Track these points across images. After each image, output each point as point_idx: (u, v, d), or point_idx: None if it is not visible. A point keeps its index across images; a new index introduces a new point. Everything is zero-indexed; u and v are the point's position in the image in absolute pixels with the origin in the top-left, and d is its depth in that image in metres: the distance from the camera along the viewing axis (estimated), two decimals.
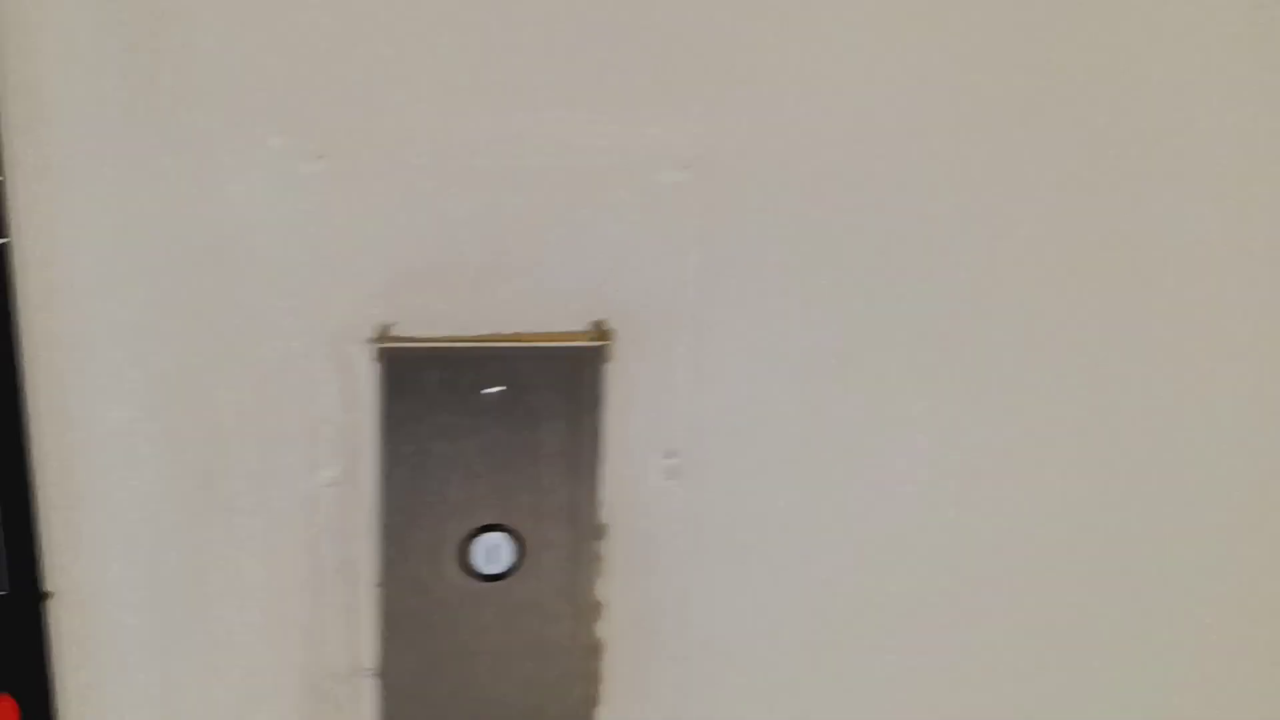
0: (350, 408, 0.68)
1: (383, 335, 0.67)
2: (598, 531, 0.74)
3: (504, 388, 0.69)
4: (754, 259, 0.71)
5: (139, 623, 0.68)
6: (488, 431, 0.70)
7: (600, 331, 0.70)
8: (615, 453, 0.72)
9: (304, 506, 0.69)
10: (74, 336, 0.64)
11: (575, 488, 0.72)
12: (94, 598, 0.67)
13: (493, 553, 0.72)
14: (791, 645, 0.80)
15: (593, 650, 0.76)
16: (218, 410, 0.66)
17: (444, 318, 0.68)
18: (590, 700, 0.77)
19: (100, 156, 0.62)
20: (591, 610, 0.75)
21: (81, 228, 0.63)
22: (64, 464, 0.65)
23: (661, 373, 0.71)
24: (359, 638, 0.71)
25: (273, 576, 0.69)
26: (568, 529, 0.73)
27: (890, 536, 0.79)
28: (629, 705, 0.78)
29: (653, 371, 0.71)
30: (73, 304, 0.64)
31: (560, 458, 0.71)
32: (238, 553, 0.68)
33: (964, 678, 0.83)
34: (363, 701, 0.73)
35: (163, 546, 0.67)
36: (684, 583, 0.76)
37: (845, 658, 0.81)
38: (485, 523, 0.71)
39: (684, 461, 0.74)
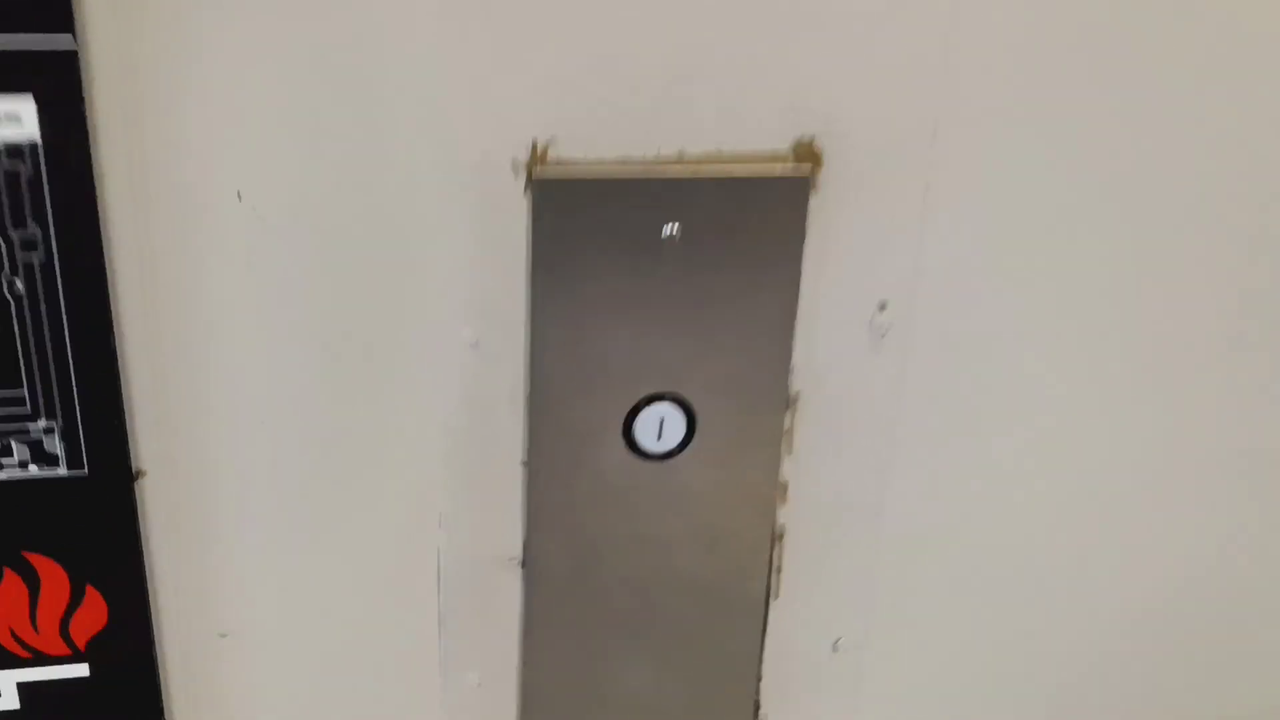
0: (495, 253, 0.54)
1: (535, 161, 0.52)
2: (785, 403, 0.61)
3: (679, 227, 0.55)
4: (1011, 74, 0.55)
5: (250, 508, 0.56)
6: (659, 282, 0.56)
7: (805, 153, 0.55)
8: (812, 308, 0.58)
9: (441, 372, 0.56)
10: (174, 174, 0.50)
11: (762, 351, 0.59)
12: (195, 477, 0.55)
13: (661, 427, 0.59)
14: (993, 542, 0.67)
15: (771, 539, 0.64)
16: (339, 261, 0.53)
17: (611, 139, 0.53)
18: (765, 595, 0.65)
19: None
20: (772, 494, 0.63)
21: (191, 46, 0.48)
22: (157, 327, 0.52)
23: (878, 210, 0.57)
24: (503, 522, 0.60)
25: (406, 452, 0.57)
26: (750, 400, 0.60)
27: (1113, 430, 0.65)
28: (809, 600, 0.66)
29: (868, 208, 0.56)
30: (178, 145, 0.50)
31: (746, 314, 0.57)
32: (364, 426, 0.56)
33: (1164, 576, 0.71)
34: (508, 594, 0.62)
35: (277, 419, 0.55)
36: (880, 464, 0.63)
37: (1047, 558, 0.69)
38: (653, 392, 0.59)
39: (895, 320, 0.59)
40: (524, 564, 0.61)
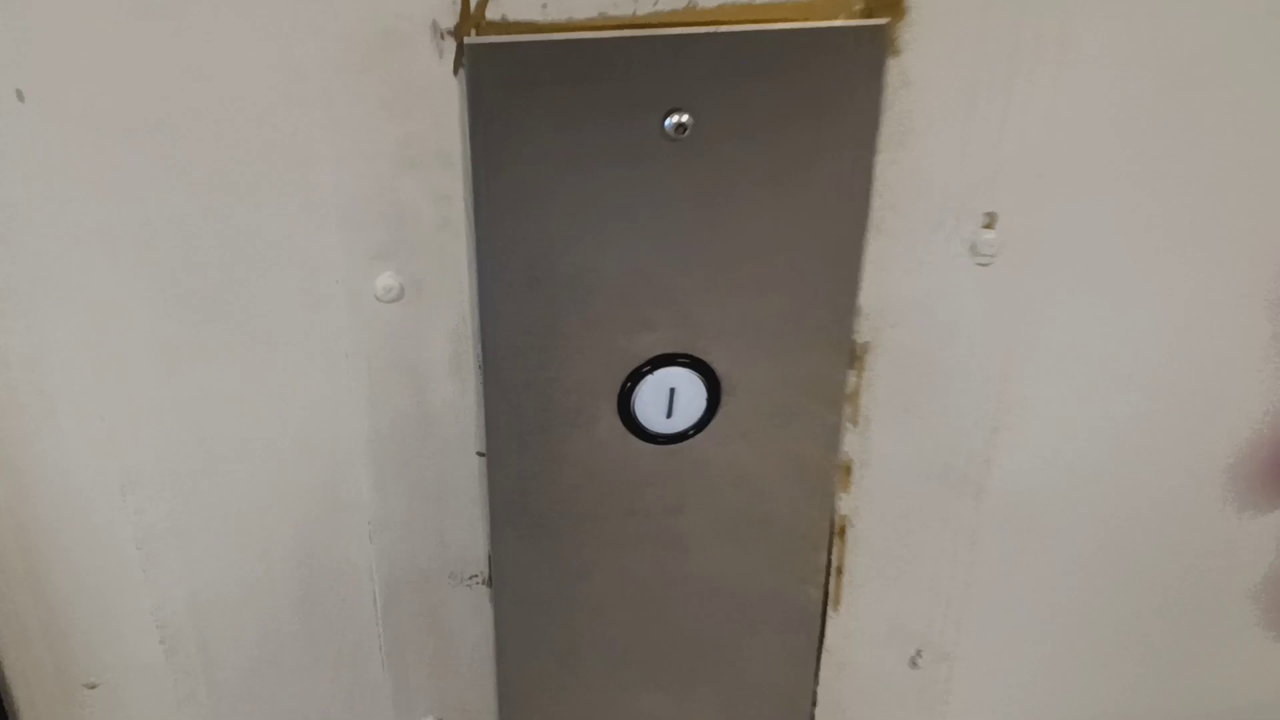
0: (417, 162, 0.36)
1: (467, 22, 0.34)
2: (848, 357, 0.43)
3: (689, 116, 0.36)
4: None
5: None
6: (662, 194, 0.38)
7: (872, 4, 0.36)
8: (887, 224, 0.40)
9: (354, 335, 0.39)
10: None
11: (813, 288, 0.41)
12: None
13: (671, 399, 0.42)
14: (1119, 517, 0.50)
15: (827, 535, 0.47)
16: (173, 175, 0.35)
17: None
18: (821, 605, 0.49)
19: None
20: (830, 478, 0.46)
21: None
22: None
23: (983, 79, 0.38)
24: (456, 529, 0.44)
25: (318, 442, 0.41)
26: (796, 357, 0.42)
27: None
28: (880, 607, 0.50)
29: (968, 76, 0.37)
30: None
31: (789, 237, 0.39)
32: (255, 411, 0.39)
33: None
34: (467, 618, 0.46)
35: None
36: (982, 431, 0.46)
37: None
38: (660, 352, 0.41)
39: (1007, 239, 0.41)
40: (489, 582, 0.45)
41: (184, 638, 0.44)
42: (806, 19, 0.36)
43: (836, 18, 0.36)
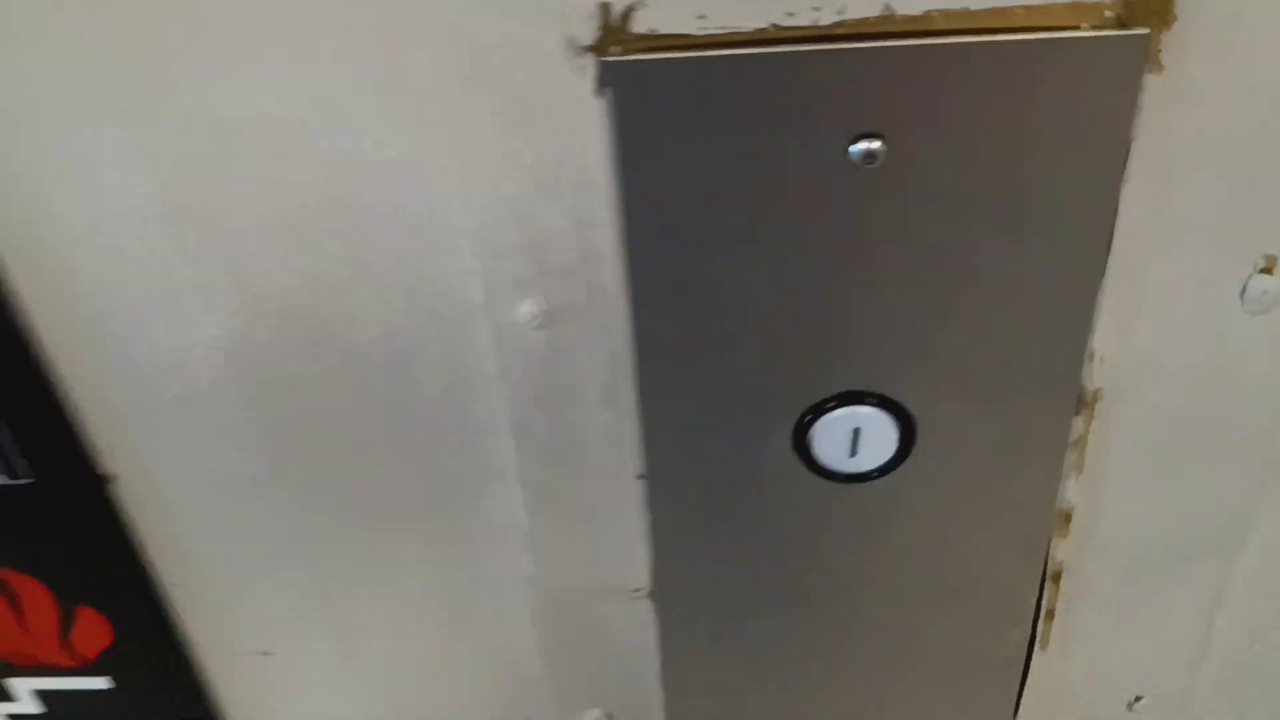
0: (560, 182, 0.32)
1: (608, 36, 0.29)
2: (1074, 403, 0.36)
3: (880, 145, 0.30)
4: None
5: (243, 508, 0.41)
6: (853, 227, 0.32)
7: (1139, 6, 0.28)
8: (1133, 261, 0.32)
9: (500, 361, 0.36)
10: None
11: (1033, 326, 0.34)
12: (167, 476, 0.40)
13: (856, 439, 0.37)
14: None
15: (1037, 586, 0.41)
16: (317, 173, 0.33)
17: None
18: (1023, 645, 0.44)
19: None
20: (1044, 527, 0.39)
21: None
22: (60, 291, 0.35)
23: (1259, 102, 0.29)
24: (610, 544, 0.41)
25: (475, 463, 0.39)
26: (1009, 403, 0.36)
27: None
28: (1096, 646, 0.44)
29: (1242, 95, 0.29)
30: None
31: (1007, 276, 0.33)
32: (401, 420, 0.38)
33: None
34: (625, 628, 0.44)
35: (268, 427, 0.38)
36: (1237, 489, 0.38)
37: None
38: (845, 389, 0.36)
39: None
40: (653, 596, 0.43)
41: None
42: (1039, 26, 0.28)
43: (1076, 21, 0.28)
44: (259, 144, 0.31)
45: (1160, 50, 0.28)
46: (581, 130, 0.30)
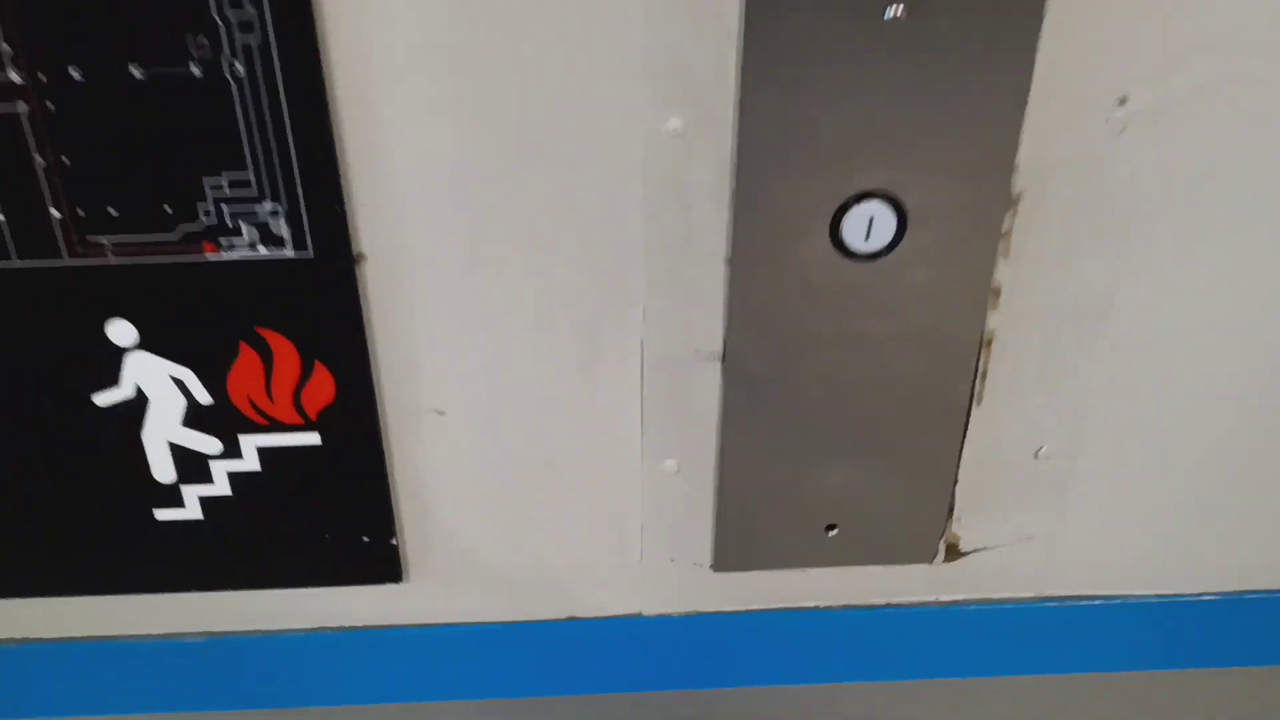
0: (705, 37, 0.52)
1: None
2: (1006, 203, 0.57)
3: (904, 7, 0.51)
4: None
5: (459, 288, 0.58)
6: (878, 68, 0.52)
7: None
8: (1043, 99, 0.54)
9: (646, 160, 0.55)
10: None
11: (985, 146, 0.55)
12: (411, 262, 0.57)
13: (870, 226, 0.57)
14: (1222, 358, 0.63)
15: (978, 344, 0.62)
16: (549, 43, 0.52)
17: None
18: (968, 400, 0.64)
19: None
20: (983, 296, 0.60)
21: None
22: (366, 101, 0.53)
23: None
24: (705, 318, 0.60)
25: (609, 245, 0.57)
26: (968, 199, 0.57)
27: None
28: (1013, 407, 0.65)
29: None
30: None
31: (971, 105, 0.54)
32: (569, 213, 0.56)
33: None
34: (707, 387, 0.62)
35: (481, 203, 0.56)
36: (1109, 271, 0.60)
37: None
38: (864, 189, 0.56)
39: (1135, 114, 0.55)
40: (723, 359, 0.62)
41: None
42: None
43: None
44: None
45: None
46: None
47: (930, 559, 0.70)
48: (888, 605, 0.73)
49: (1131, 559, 0.72)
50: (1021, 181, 0.57)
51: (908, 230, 0.57)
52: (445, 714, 0.74)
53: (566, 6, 0.51)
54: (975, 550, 0.71)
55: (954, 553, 0.71)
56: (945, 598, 0.73)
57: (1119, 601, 0.73)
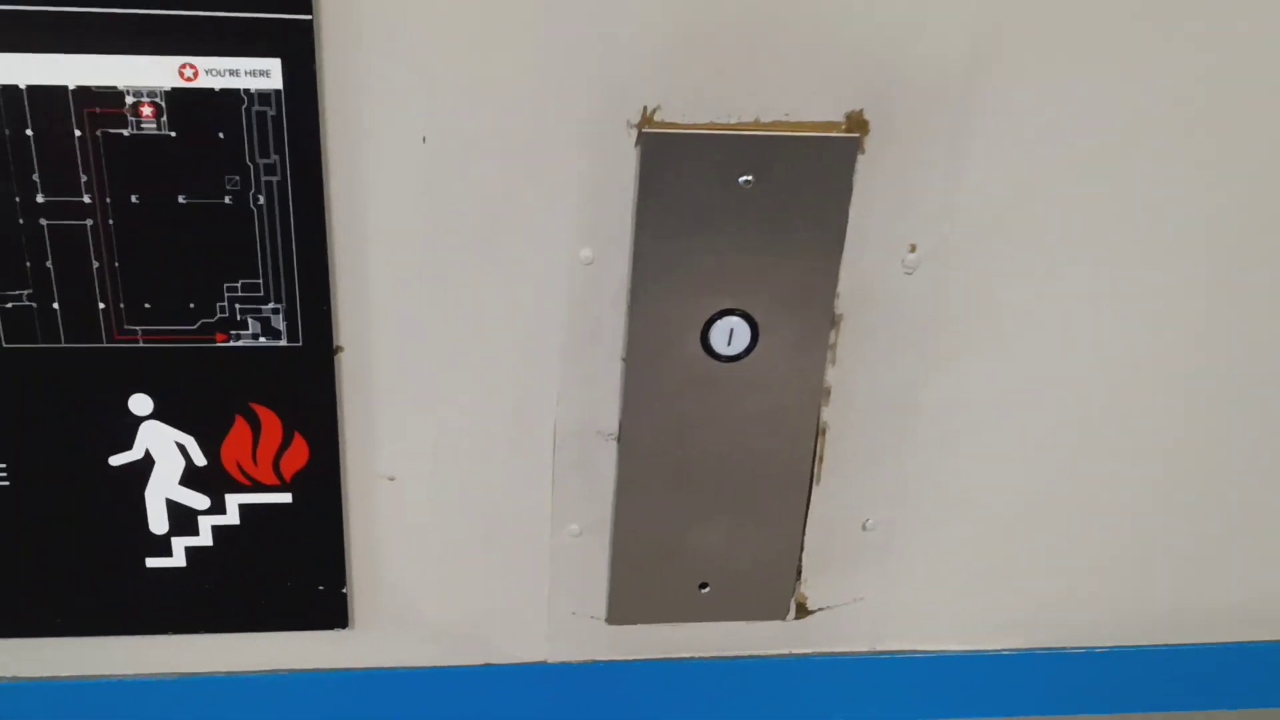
0: (611, 191, 0.71)
1: (645, 122, 0.69)
2: (831, 321, 0.77)
3: (752, 177, 0.71)
4: (1039, 52, 0.70)
5: (414, 375, 0.74)
6: (735, 219, 0.72)
7: (855, 122, 0.70)
8: (855, 246, 0.74)
9: (563, 282, 0.73)
10: (366, 120, 0.68)
11: (814, 279, 0.75)
12: (376, 352, 0.73)
13: (731, 335, 0.76)
14: (1013, 440, 0.83)
15: (815, 432, 0.80)
16: (490, 191, 0.70)
17: (701, 108, 0.69)
18: (809, 479, 0.82)
19: None
20: (817, 394, 0.79)
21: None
22: (360, 235, 0.70)
23: (911, 170, 0.72)
24: (605, 404, 0.77)
25: (532, 345, 0.75)
26: (803, 318, 0.76)
27: (1126, 349, 0.80)
28: (844, 486, 0.83)
29: (903, 168, 0.72)
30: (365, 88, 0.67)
31: (803, 248, 0.73)
32: (504, 318, 0.73)
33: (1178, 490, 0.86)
34: (605, 462, 0.79)
35: (437, 309, 0.73)
36: (911, 376, 0.79)
37: (1066, 459, 0.84)
38: (726, 307, 0.75)
39: (922, 259, 0.75)
40: (619, 439, 0.79)
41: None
42: (816, 130, 0.70)
43: (831, 131, 0.71)
44: None
45: (864, 144, 0.71)
46: (626, 168, 0.70)
47: (784, 616, 0.86)
48: (751, 656, 0.88)
49: (949, 616, 0.89)
50: (842, 305, 0.76)
51: (759, 340, 0.76)
52: None
53: (513, 169, 0.69)
54: (820, 609, 0.87)
55: (803, 610, 0.87)
56: (797, 651, 0.89)
57: (939, 655, 0.90)
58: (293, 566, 0.78)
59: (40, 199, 0.66)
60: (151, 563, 0.76)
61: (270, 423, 0.74)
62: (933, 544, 0.86)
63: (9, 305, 0.68)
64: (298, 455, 0.75)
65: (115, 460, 0.73)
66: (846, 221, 0.73)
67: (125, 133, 0.65)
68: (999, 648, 0.91)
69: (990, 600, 0.89)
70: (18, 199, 0.66)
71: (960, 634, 0.90)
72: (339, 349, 0.73)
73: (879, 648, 0.90)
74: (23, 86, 0.63)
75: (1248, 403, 0.83)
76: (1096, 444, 0.83)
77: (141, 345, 0.70)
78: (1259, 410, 0.83)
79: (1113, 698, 0.94)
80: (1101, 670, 0.93)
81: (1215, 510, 0.87)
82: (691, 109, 0.69)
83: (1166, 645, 0.93)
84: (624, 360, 0.76)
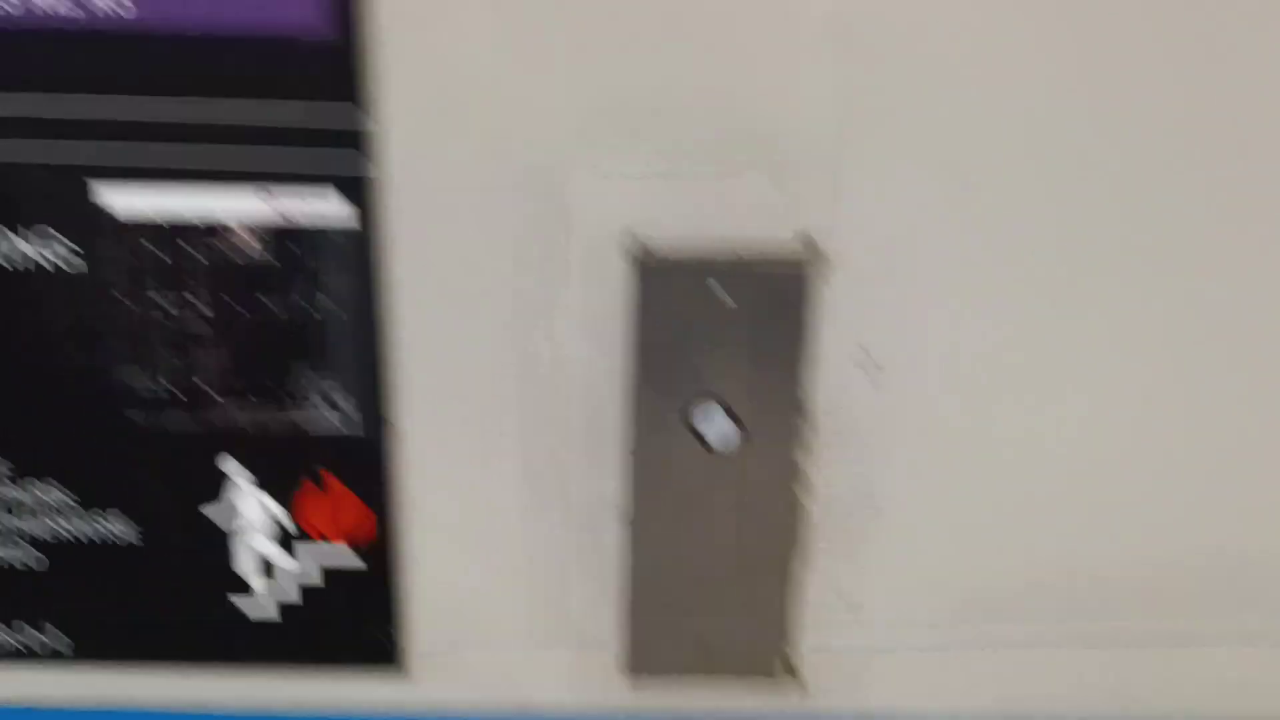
0: (609, 307, 0.85)
1: (637, 248, 0.85)
2: (807, 423, 0.90)
3: (732, 300, 0.85)
4: (977, 199, 0.81)
5: (457, 457, 0.90)
6: (718, 334, 0.86)
7: (814, 253, 0.85)
8: (824, 359, 0.87)
9: (579, 387, 0.88)
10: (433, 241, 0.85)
11: (789, 385, 0.88)
12: (424, 437, 0.90)
13: (722, 432, 0.90)
14: (971, 534, 0.93)
15: (802, 516, 0.92)
16: (504, 300, 0.83)
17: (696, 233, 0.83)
18: (794, 559, 0.94)
19: None
20: (801, 490, 0.91)
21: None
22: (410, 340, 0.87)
23: (871, 294, 0.85)
24: (607, 489, 0.91)
25: (557, 442, 0.89)
26: (785, 420, 0.89)
27: (1076, 456, 0.90)
28: (829, 571, 0.94)
29: (863, 292, 0.85)
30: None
31: (778, 360, 0.87)
32: (511, 410, 0.88)
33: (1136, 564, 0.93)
34: (612, 539, 0.93)
35: (446, 398, 0.87)
36: (876, 472, 0.91)
37: (1026, 554, 0.93)
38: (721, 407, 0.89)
39: (885, 368, 0.88)
40: (628, 521, 0.93)
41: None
42: (791, 262, 0.85)
43: (800, 261, 0.85)
44: None
45: (824, 271, 0.85)
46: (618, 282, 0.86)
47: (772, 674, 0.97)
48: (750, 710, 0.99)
49: (922, 677, 0.98)
50: (814, 408, 0.89)
51: (748, 437, 0.90)
52: None
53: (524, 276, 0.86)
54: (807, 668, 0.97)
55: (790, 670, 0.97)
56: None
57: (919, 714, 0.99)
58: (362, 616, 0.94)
59: (174, 312, 0.86)
60: (235, 599, 0.94)
61: (346, 496, 0.91)
62: (909, 624, 0.96)
63: (147, 395, 0.88)
64: (367, 525, 0.91)
65: (206, 509, 0.91)
66: (811, 339, 0.86)
67: (239, 260, 0.85)
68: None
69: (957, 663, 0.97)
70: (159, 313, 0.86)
71: (936, 695, 0.98)
72: (394, 429, 0.90)
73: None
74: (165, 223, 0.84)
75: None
76: (1073, 523, 0.92)
77: (231, 417, 0.89)
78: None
79: None
80: None
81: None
82: (685, 237, 0.83)
83: None
84: (632, 454, 0.90)
